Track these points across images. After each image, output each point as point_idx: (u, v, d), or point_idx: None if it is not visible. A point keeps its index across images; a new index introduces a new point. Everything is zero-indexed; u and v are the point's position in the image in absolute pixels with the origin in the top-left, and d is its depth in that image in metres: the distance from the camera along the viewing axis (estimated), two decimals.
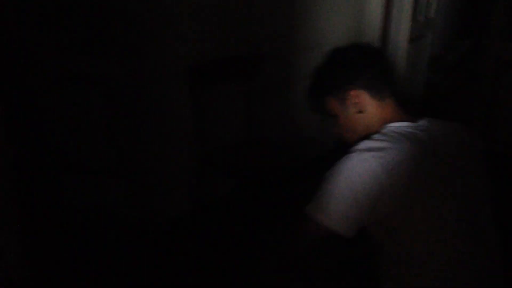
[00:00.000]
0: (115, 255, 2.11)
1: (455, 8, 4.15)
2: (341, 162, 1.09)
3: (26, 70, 2.06)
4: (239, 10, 2.28)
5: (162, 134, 2.17)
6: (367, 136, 1.16)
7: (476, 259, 1.10)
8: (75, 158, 2.33)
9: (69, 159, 2.34)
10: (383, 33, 3.00)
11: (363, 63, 1.24)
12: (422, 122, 1.19)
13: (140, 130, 2.18)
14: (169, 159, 2.23)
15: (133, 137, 2.21)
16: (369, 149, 1.07)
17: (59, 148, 2.31)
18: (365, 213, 1.05)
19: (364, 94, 1.22)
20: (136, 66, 2.06)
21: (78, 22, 2.10)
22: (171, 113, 2.15)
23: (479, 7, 4.15)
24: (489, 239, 1.14)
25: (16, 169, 1.65)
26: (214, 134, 2.36)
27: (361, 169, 1.05)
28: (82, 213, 2.33)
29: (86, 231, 2.25)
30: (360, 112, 1.23)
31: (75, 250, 2.11)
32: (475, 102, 3.27)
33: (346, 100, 1.23)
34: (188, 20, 2.07)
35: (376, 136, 1.14)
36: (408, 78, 3.32)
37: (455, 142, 1.18)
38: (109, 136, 2.26)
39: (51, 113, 2.24)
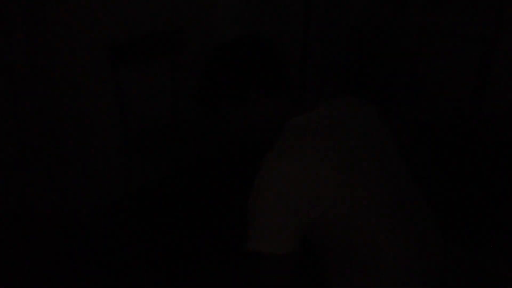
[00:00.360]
0: (42, 253, 2.01)
1: None
2: (256, 181, 1.02)
3: None
4: None
5: (83, 118, 2.05)
6: (272, 136, 1.14)
7: (417, 232, 1.11)
8: None
9: None
10: (305, 2, 3.02)
11: (257, 58, 1.16)
12: (321, 109, 1.17)
13: (56, 116, 2.02)
14: (92, 146, 2.13)
15: (48, 124, 2.04)
16: (279, 154, 1.02)
17: None
18: (303, 219, 1.00)
19: (264, 91, 1.16)
20: (45, 45, 1.90)
21: None
22: (91, 95, 2.07)
23: None
24: (419, 212, 1.17)
25: None
26: (140, 116, 2.31)
27: (277, 179, 0.99)
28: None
29: (5, 233, 2.10)
30: (261, 111, 1.17)
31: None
32: (397, 70, 3.39)
33: (247, 100, 1.16)
34: None
35: (282, 136, 1.10)
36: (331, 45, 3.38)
37: (359, 122, 1.18)
38: (19, 124, 2.12)
39: None
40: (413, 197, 1.18)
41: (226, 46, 1.19)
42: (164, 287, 1.88)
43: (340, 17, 3.45)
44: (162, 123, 2.36)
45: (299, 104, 1.20)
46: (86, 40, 1.95)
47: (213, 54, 1.19)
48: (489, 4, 2.91)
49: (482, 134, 2.87)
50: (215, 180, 2.58)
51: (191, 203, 2.39)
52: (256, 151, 2.86)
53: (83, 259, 2.01)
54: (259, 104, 1.16)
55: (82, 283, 1.89)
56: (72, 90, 1.98)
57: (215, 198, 2.44)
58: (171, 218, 2.29)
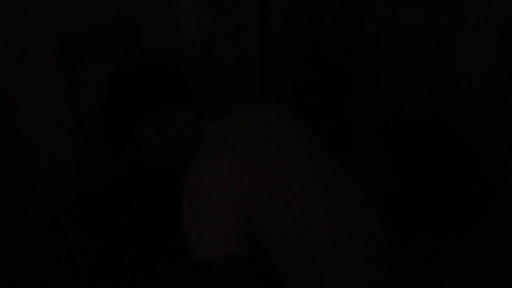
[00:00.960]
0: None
1: None
2: (186, 189, 1.00)
3: None
4: None
5: (33, 118, 1.96)
6: (191, 151, 1.13)
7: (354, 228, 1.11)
8: None
9: None
10: None
11: (159, 76, 1.16)
12: (234, 115, 1.19)
13: (3, 116, 1.90)
14: (44, 145, 2.04)
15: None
16: (204, 159, 1.02)
17: None
18: (241, 215, 0.99)
19: (175, 108, 1.15)
20: None
21: None
22: (40, 92, 1.99)
23: None
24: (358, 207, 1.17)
25: None
26: (95, 113, 2.24)
27: (208, 181, 0.98)
28: None
29: None
30: (177, 129, 1.15)
31: None
32: (357, 65, 3.42)
33: (159, 121, 1.14)
34: None
35: (203, 144, 1.10)
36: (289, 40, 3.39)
37: (277, 126, 1.19)
38: None
39: None
40: (351, 196, 1.18)
41: (127, 72, 1.17)
42: None
43: (298, 13, 3.46)
44: None
45: (212, 114, 1.21)
46: (34, 34, 1.88)
47: (115, 80, 1.17)
48: (446, 2, 2.97)
49: (440, 131, 2.92)
50: (175, 177, 2.53)
51: (150, 202, 2.34)
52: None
53: (35, 264, 1.93)
54: (173, 122, 1.15)
55: None
56: (21, 87, 1.90)
57: (176, 196, 2.39)
58: (128, 218, 2.23)
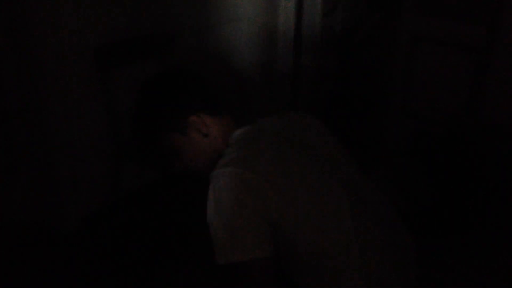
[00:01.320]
0: (29, 263, 1.93)
1: None
2: (212, 194, 1.00)
3: None
4: None
5: (70, 124, 2.00)
6: (218, 157, 1.12)
7: (376, 237, 1.10)
8: None
9: None
10: (297, 7, 3.02)
11: (189, 86, 1.18)
12: (260, 122, 1.20)
13: (42, 122, 1.96)
14: (80, 152, 2.08)
15: (34, 131, 1.98)
16: (229, 164, 1.01)
17: None
18: (268, 220, 0.99)
19: (203, 116, 1.16)
20: (27, 49, 1.83)
21: None
22: (78, 99, 2.03)
23: None
24: (381, 214, 1.15)
25: None
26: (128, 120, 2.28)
27: (233, 185, 0.98)
28: None
29: None
30: (205, 135, 1.16)
31: None
32: (390, 77, 3.38)
33: (187, 128, 1.15)
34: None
35: (228, 149, 1.10)
36: (322, 50, 3.38)
37: (302, 128, 1.20)
38: (3, 131, 2.06)
39: None
40: (372, 203, 1.15)
41: (157, 78, 1.21)
42: None
43: (331, 24, 3.45)
44: None
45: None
46: (71, 43, 1.93)
47: (146, 86, 1.21)
48: (483, 13, 2.91)
49: (477, 143, 2.85)
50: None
51: (185, 208, 2.36)
52: None
53: (71, 268, 1.95)
54: (201, 129, 1.16)
55: None
56: (57, 95, 1.95)
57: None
58: (164, 223, 2.25)
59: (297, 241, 1.03)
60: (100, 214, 2.25)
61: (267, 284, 0.98)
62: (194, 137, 1.16)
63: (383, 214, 1.16)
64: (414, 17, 3.18)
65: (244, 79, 3.00)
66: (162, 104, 1.16)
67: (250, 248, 0.95)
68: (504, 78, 2.88)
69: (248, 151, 1.05)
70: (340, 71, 3.40)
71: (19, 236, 2.01)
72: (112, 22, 2.06)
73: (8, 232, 1.97)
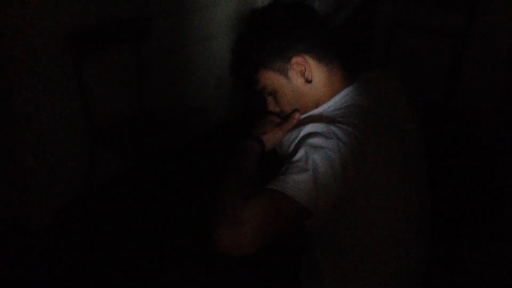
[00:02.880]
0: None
1: None
2: (309, 138, 0.91)
3: None
4: None
5: (42, 112, 1.92)
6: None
7: (417, 236, 1.07)
8: None
9: None
10: None
11: (299, 21, 1.03)
12: (364, 83, 1.07)
13: (13, 111, 1.86)
14: (52, 142, 2.00)
15: (5, 121, 1.90)
16: (335, 122, 0.92)
17: None
18: (338, 191, 0.89)
19: (310, 59, 1.02)
20: None
21: None
22: (49, 87, 1.95)
23: None
24: (426, 214, 1.11)
25: None
26: (105, 107, 2.21)
27: (348, 140, 0.89)
28: None
29: None
30: (308, 81, 1.03)
31: None
32: (369, 62, 3.37)
33: (289, 70, 1.03)
34: None
35: (332, 109, 1.00)
36: None
37: (400, 104, 1.08)
38: None
39: None
40: (424, 192, 1.10)
41: (266, 9, 1.06)
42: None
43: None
44: (129, 114, 2.26)
45: None
46: (42, 28, 1.84)
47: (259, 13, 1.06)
48: (460, 2, 2.91)
49: (455, 129, 2.87)
50: (186, 172, 2.50)
51: (163, 197, 2.31)
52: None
53: (45, 263, 1.90)
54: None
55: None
56: (27, 83, 1.86)
57: (186, 191, 2.36)
58: (139, 214, 2.21)
59: (357, 223, 0.97)
60: (74, 206, 2.19)
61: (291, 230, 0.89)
62: (296, 81, 1.04)
63: (427, 219, 1.13)
64: (393, 2, 3.17)
65: (222, 66, 2.94)
66: (264, 37, 1.02)
67: (318, 201, 0.85)
68: (479, 64, 2.91)
69: (363, 123, 0.93)
70: None
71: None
72: (85, 7, 1.98)
73: None
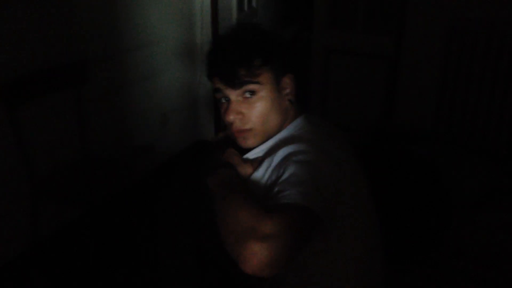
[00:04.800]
0: None
1: None
2: (293, 156, 0.93)
3: None
4: (54, 18, 2.09)
5: None
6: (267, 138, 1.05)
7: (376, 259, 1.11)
8: None
9: None
10: (214, 27, 3.01)
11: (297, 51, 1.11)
12: (310, 116, 1.11)
13: None
14: None
15: None
16: (309, 140, 0.98)
17: None
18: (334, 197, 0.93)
19: (295, 85, 1.06)
20: None
21: None
22: None
23: None
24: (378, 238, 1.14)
25: None
26: (46, 155, 2.14)
27: (324, 160, 0.93)
28: None
29: None
30: (291, 102, 1.06)
31: None
32: (309, 87, 3.46)
33: (281, 83, 1.05)
34: None
35: (298, 131, 1.04)
36: None
37: (341, 138, 1.13)
38: None
39: None
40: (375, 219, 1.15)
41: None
42: None
43: None
44: (72, 160, 2.20)
45: None
46: None
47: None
48: (388, 25, 3.06)
49: (395, 150, 2.97)
50: (134, 216, 2.44)
51: (112, 242, 2.24)
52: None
53: None
54: None
55: None
56: None
57: (138, 236, 2.31)
58: (91, 261, 2.13)
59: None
60: (19, 259, 2.08)
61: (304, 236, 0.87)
62: (283, 97, 1.06)
63: (379, 242, 1.16)
64: (327, 31, 3.30)
65: (168, 102, 2.94)
66: (277, 44, 1.05)
67: (321, 203, 0.87)
68: (411, 83, 3.06)
69: (329, 142, 1.00)
70: None
71: None
72: (17, 55, 1.93)
73: None
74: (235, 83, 1.02)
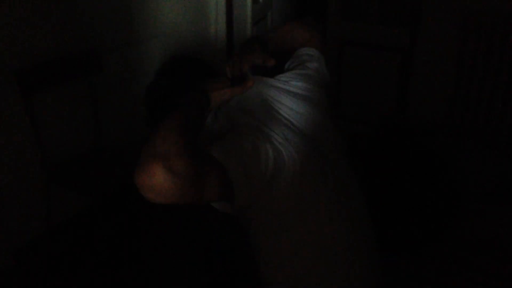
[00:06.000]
0: None
1: None
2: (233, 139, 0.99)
3: None
4: (70, 7, 2.11)
5: None
6: None
7: (352, 243, 1.10)
8: None
9: None
10: (228, 17, 3.01)
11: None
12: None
13: None
14: (8, 181, 1.96)
15: None
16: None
17: None
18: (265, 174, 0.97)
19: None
20: None
21: None
22: (0, 125, 1.92)
23: None
24: (362, 222, 1.15)
25: None
26: (60, 143, 2.17)
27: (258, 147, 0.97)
28: None
29: None
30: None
31: None
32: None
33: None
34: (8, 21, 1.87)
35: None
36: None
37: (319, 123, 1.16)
38: None
39: None
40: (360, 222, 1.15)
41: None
42: None
43: (262, 32, 3.47)
44: (86, 149, 2.23)
45: None
46: None
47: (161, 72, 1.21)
48: (405, 16, 3.04)
49: (406, 142, 2.95)
50: (146, 207, 2.46)
51: (122, 234, 2.27)
52: None
53: None
54: None
55: None
56: None
57: (148, 227, 2.33)
58: (101, 252, 2.16)
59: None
60: (33, 246, 2.12)
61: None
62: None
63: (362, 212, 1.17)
64: (341, 22, 3.27)
65: None
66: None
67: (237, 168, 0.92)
68: (425, 76, 3.03)
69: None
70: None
71: None
72: (34, 44, 1.96)
73: None
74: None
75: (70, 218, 2.30)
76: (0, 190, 1.96)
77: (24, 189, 2.05)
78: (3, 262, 2.02)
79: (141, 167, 0.82)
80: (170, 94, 1.13)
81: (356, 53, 3.29)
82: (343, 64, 3.33)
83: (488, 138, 2.89)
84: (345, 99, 3.38)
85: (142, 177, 0.81)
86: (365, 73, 3.29)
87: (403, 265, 2.04)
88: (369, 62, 3.25)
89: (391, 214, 2.30)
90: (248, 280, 1.31)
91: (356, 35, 3.26)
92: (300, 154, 1.02)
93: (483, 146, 2.82)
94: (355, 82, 3.34)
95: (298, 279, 1.06)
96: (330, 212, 1.06)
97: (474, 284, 1.98)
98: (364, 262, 1.12)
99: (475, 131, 2.92)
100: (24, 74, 1.88)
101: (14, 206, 2.03)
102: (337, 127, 1.20)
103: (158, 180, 0.80)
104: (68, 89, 2.16)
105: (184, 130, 0.90)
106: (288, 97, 1.13)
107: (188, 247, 2.18)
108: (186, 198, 0.84)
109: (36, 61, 1.97)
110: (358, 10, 3.24)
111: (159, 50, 2.69)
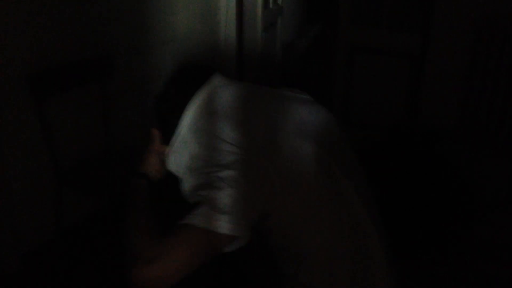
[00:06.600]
0: None
1: None
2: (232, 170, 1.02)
3: None
4: (82, 12, 2.14)
5: (3, 157, 1.90)
6: None
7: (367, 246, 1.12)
8: None
9: None
10: (238, 23, 3.03)
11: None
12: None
13: None
14: (19, 183, 1.97)
15: None
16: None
17: None
18: (259, 211, 1.01)
19: None
20: None
21: None
22: (11, 131, 1.93)
23: None
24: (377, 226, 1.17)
25: None
26: (71, 146, 2.19)
27: (250, 171, 1.00)
28: None
29: None
30: None
31: None
32: (333, 86, 3.44)
33: None
34: (20, 25, 1.89)
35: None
36: (264, 65, 3.40)
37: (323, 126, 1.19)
38: None
39: None
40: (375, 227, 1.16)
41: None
42: None
43: (272, 38, 3.47)
44: (97, 152, 2.24)
45: None
46: (3, 69, 1.83)
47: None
48: (416, 22, 3.02)
49: (418, 148, 2.93)
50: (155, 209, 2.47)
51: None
52: None
53: None
54: None
55: None
56: None
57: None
58: (109, 254, 2.16)
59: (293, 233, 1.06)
60: (43, 249, 2.14)
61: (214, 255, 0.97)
62: None
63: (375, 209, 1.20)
64: (352, 28, 3.26)
65: None
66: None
67: (238, 225, 0.95)
68: (436, 81, 3.01)
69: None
70: (282, 84, 3.44)
71: None
72: (46, 49, 1.98)
73: None
74: None
75: (80, 222, 2.31)
76: (11, 193, 1.97)
77: (35, 192, 2.07)
78: (13, 266, 2.03)
79: (129, 273, 0.91)
80: (179, 103, 1.16)
81: (367, 59, 3.28)
82: (354, 70, 3.32)
83: (500, 145, 2.86)
84: (356, 105, 3.37)
85: (137, 283, 0.91)
86: (376, 79, 3.27)
87: (414, 269, 2.02)
88: (380, 67, 3.24)
89: (401, 220, 2.28)
90: (258, 278, 1.32)
91: (367, 41, 3.25)
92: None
93: (495, 153, 2.80)
94: (366, 88, 3.32)
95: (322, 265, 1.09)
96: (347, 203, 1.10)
97: None
98: (381, 264, 1.13)
99: (486, 137, 2.89)
100: (36, 78, 1.90)
101: (26, 210, 2.04)
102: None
103: (146, 277, 0.90)
104: (80, 94, 2.18)
105: (145, 227, 1.00)
106: None
107: None
108: (183, 275, 0.93)
109: (48, 66, 1.99)
110: (369, 16, 3.23)
111: (170, 55, 2.71)
